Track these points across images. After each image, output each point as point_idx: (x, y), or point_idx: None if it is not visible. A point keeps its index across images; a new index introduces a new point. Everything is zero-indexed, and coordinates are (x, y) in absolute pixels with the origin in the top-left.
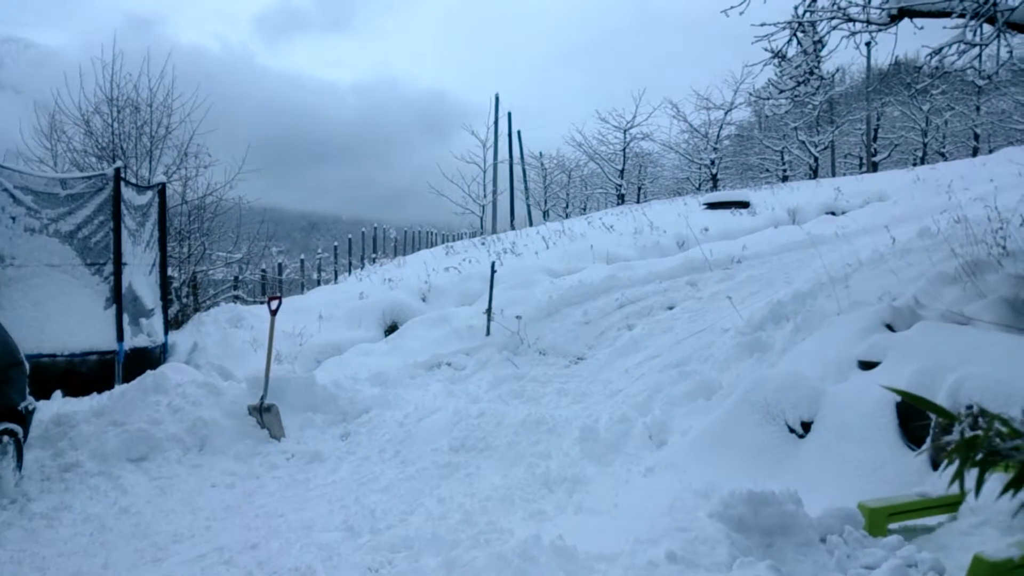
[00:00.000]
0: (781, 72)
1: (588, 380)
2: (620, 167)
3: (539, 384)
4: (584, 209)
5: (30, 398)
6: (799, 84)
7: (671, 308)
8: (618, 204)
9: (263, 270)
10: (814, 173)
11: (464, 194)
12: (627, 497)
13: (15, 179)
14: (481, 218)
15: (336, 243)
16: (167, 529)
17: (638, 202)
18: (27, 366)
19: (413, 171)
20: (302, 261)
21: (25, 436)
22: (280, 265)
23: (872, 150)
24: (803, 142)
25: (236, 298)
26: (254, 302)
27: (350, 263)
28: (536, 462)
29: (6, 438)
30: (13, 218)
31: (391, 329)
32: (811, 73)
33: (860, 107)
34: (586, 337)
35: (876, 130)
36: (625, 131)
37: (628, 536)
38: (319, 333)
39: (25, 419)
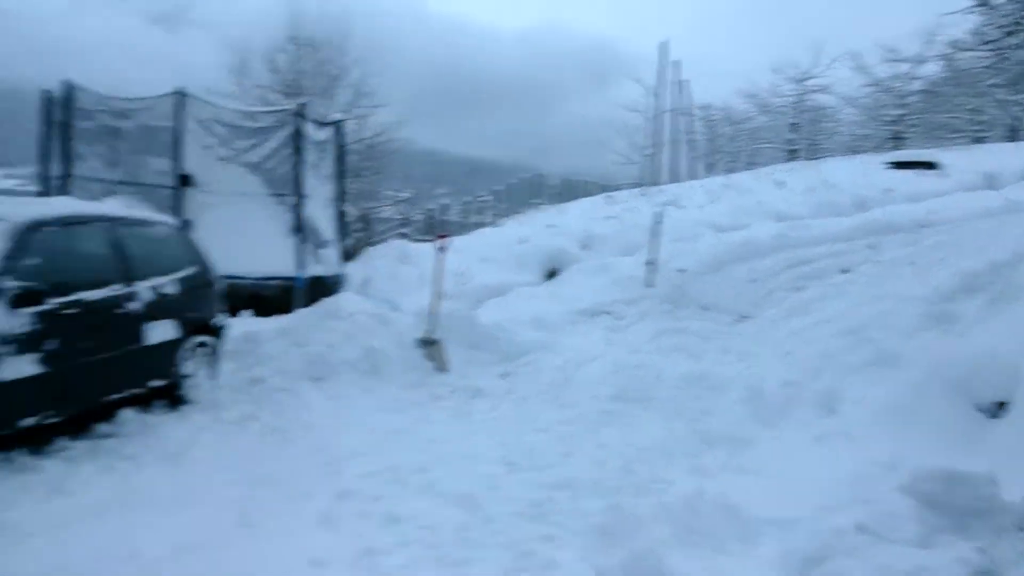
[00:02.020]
0: (986, 21)
1: (753, 340)
2: (793, 121)
3: (701, 339)
4: (751, 164)
5: (222, 315)
6: (1008, 35)
7: (846, 271)
8: (788, 160)
9: (429, 210)
10: (1013, 135)
11: (627, 144)
12: (795, 463)
13: (210, 111)
14: (643, 169)
15: (499, 187)
16: (344, 445)
17: (811, 159)
18: (221, 285)
19: (575, 120)
20: (465, 203)
21: (219, 349)
22: (444, 206)
23: None
24: (1002, 100)
25: (403, 235)
26: (420, 240)
27: (511, 208)
28: (697, 417)
29: (203, 350)
30: (208, 147)
31: (551, 275)
32: (1019, 24)
33: None
34: (752, 295)
35: None
36: (800, 83)
37: (801, 502)
38: (481, 275)
39: (218, 333)
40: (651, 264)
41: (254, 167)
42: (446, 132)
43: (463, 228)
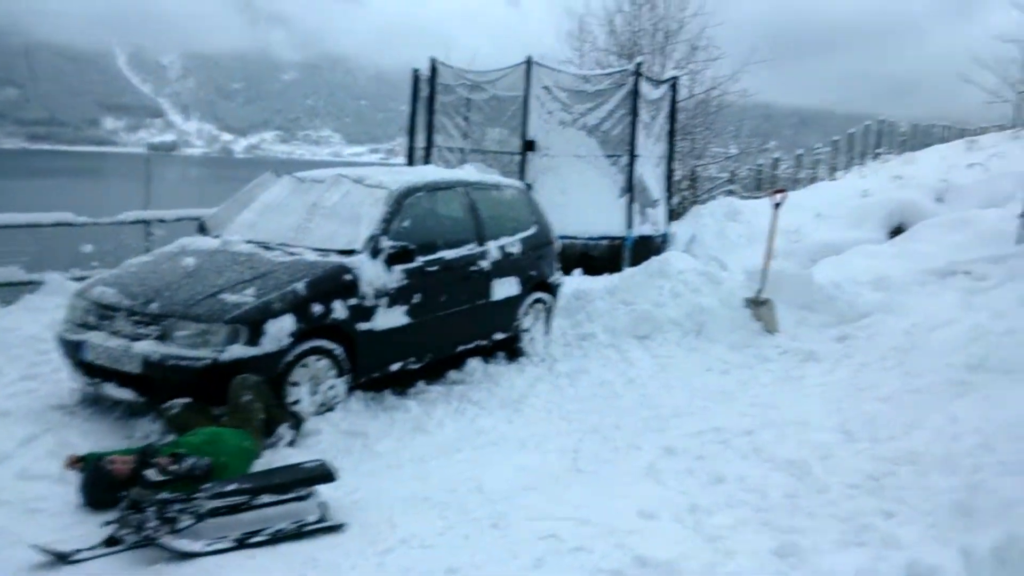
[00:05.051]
0: None
1: None
2: None
3: None
4: None
5: (558, 273)
6: None
7: None
8: None
9: (758, 165)
10: None
11: (997, 80)
12: None
13: (553, 78)
14: (1018, 108)
15: (837, 138)
16: (668, 403)
17: None
18: (558, 245)
19: (925, 59)
20: (798, 156)
21: (553, 306)
22: (775, 160)
23: None
24: None
25: (730, 192)
26: (748, 197)
27: (849, 159)
28: None
29: (539, 306)
30: (550, 112)
31: (896, 231)
32: None
33: None
34: None
35: None
36: None
37: None
38: (816, 232)
39: (554, 291)
40: None
41: (591, 129)
42: (777, 82)
43: (795, 183)
